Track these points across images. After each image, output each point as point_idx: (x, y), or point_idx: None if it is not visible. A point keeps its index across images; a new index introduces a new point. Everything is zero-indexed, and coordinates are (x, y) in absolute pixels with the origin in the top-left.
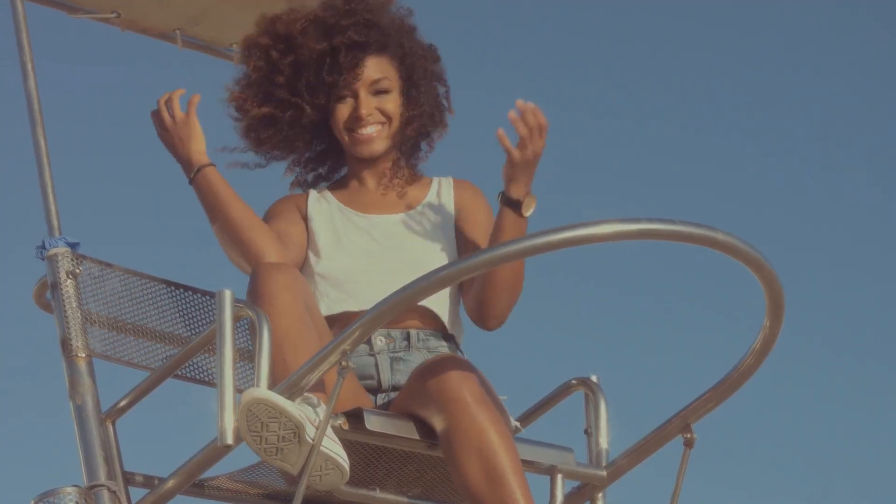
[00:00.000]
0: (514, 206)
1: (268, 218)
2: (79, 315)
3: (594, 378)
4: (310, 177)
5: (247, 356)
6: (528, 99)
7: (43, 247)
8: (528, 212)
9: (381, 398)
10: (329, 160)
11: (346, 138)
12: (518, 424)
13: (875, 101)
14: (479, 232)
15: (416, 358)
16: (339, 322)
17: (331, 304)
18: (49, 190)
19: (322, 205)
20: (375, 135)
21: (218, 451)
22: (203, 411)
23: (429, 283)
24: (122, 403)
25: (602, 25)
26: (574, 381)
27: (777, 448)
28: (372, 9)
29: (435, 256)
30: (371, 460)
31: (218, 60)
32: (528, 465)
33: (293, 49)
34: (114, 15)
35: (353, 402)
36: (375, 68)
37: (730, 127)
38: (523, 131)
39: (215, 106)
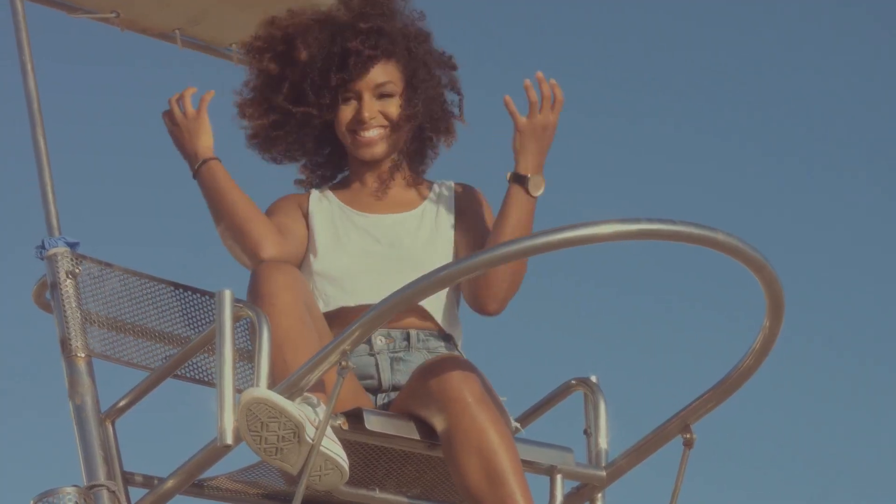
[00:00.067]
0: (521, 181)
1: (269, 213)
2: (78, 315)
3: (594, 378)
4: (313, 177)
5: (246, 356)
6: (526, 98)
7: (42, 247)
8: (537, 191)
9: (381, 398)
10: (333, 160)
11: (349, 140)
12: (518, 425)
13: (875, 101)
14: (479, 233)
15: (417, 358)
16: (337, 319)
17: (328, 301)
18: (49, 190)
19: (323, 203)
20: (377, 138)
21: (217, 451)
22: (202, 411)
23: (429, 283)
24: (122, 403)
25: (599, 25)
26: (573, 382)
27: (777, 448)
28: (385, 13)
29: (434, 256)
30: (371, 460)
31: (218, 60)
32: (527, 465)
33: (296, 49)
34: (113, 15)
35: (353, 402)
36: (381, 72)
37: (730, 127)
38: (533, 97)
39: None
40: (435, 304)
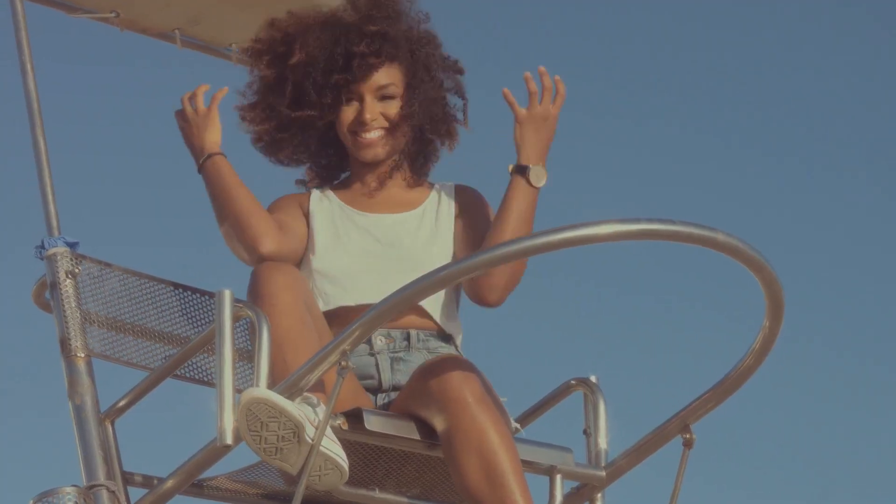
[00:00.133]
0: (523, 172)
1: (270, 210)
2: (78, 315)
3: (593, 378)
4: (315, 177)
5: (246, 356)
6: (526, 98)
7: (42, 246)
8: (539, 182)
9: (381, 398)
10: (334, 161)
11: (350, 141)
12: (518, 426)
13: (875, 101)
14: (479, 232)
15: (417, 358)
16: (336, 318)
17: (328, 299)
18: (48, 190)
19: (324, 203)
20: (378, 139)
21: (217, 451)
22: (202, 411)
23: (429, 283)
24: (122, 403)
25: (602, 25)
26: (573, 382)
27: (777, 448)
28: (390, 16)
29: (434, 256)
30: (370, 460)
31: (217, 60)
32: (527, 465)
33: (297, 49)
34: (113, 15)
35: (353, 402)
36: (384, 74)
37: (730, 127)
38: (533, 87)
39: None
40: (435, 303)
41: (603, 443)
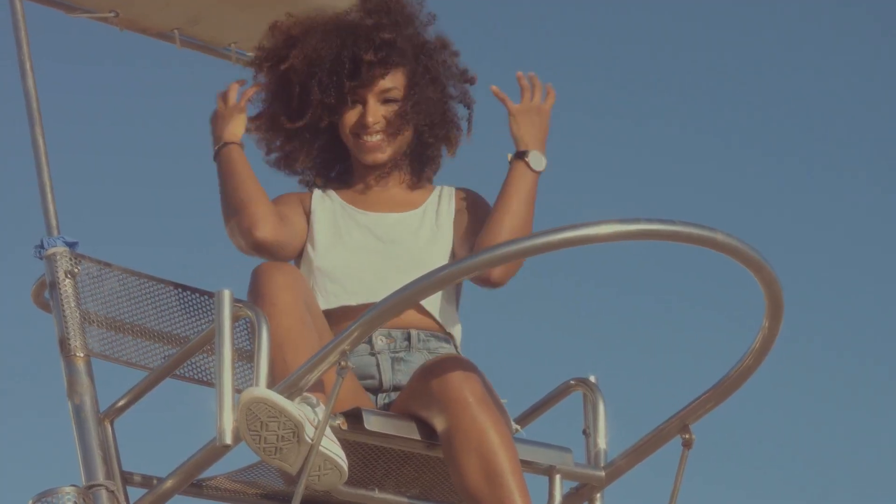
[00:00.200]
0: (523, 157)
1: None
2: (77, 314)
3: (592, 378)
4: (318, 177)
5: (246, 356)
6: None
7: (41, 246)
8: (539, 166)
9: (381, 398)
10: (338, 162)
11: (352, 143)
12: (518, 427)
13: (875, 101)
14: (478, 227)
15: (417, 359)
16: (337, 317)
17: (329, 298)
18: (48, 189)
19: (326, 202)
20: (380, 143)
21: (216, 450)
22: (201, 411)
23: (429, 282)
24: (121, 403)
25: (602, 25)
26: (572, 382)
27: (777, 448)
28: (399, 22)
29: (435, 255)
30: (370, 460)
31: (216, 60)
32: (526, 465)
33: (300, 51)
34: (112, 14)
35: (353, 402)
36: (388, 78)
37: (730, 127)
38: (524, 83)
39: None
40: (435, 303)
41: (602, 443)
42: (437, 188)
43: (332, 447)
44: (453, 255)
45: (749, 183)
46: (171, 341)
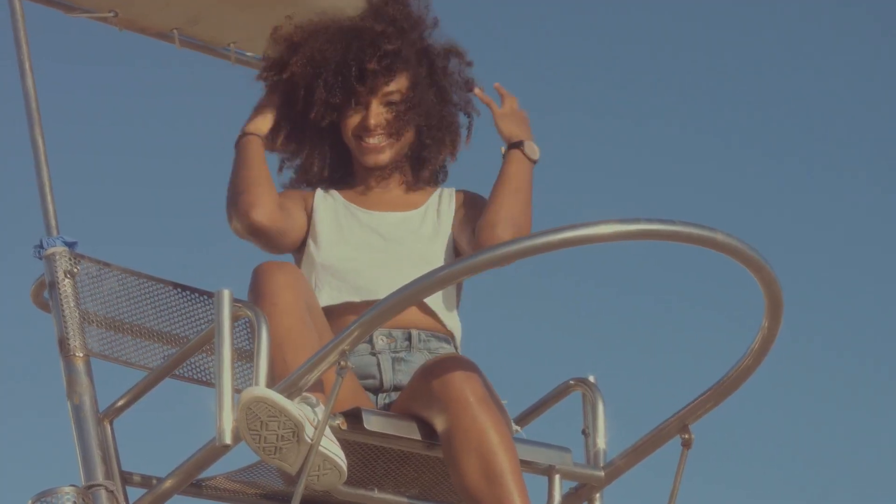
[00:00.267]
0: (518, 147)
1: None
2: (76, 314)
3: (592, 378)
4: (322, 179)
5: (246, 356)
6: (527, 98)
7: (41, 246)
8: (535, 154)
9: (382, 398)
10: (342, 163)
11: (354, 145)
12: (518, 427)
13: (875, 101)
14: (478, 216)
15: (418, 359)
16: (340, 313)
17: (332, 294)
18: (47, 189)
19: (328, 201)
20: (381, 145)
21: (216, 450)
22: (201, 411)
23: (429, 282)
24: (120, 403)
25: (602, 25)
26: (572, 382)
27: (777, 448)
28: (405, 29)
29: (437, 253)
30: (369, 460)
31: (216, 60)
32: (525, 465)
33: (304, 55)
34: (111, 14)
35: (353, 401)
36: (392, 82)
37: (730, 127)
38: (504, 91)
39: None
40: (435, 303)
41: (601, 443)
42: (438, 190)
43: (331, 447)
44: (455, 253)
45: (749, 183)
46: (171, 341)
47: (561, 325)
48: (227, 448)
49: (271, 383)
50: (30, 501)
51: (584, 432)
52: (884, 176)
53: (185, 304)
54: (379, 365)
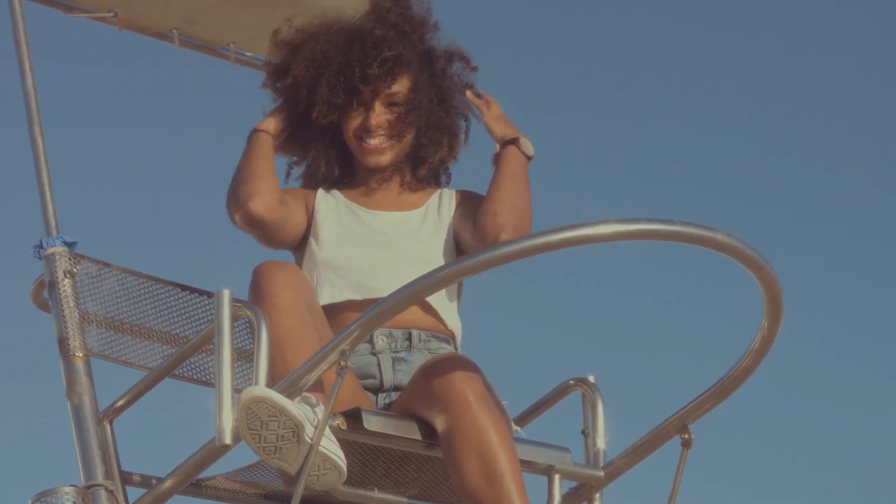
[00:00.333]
0: (513, 142)
1: None
2: (76, 314)
3: (592, 378)
4: (330, 179)
5: (246, 356)
6: (527, 98)
7: (40, 246)
8: (530, 150)
9: (382, 398)
10: (342, 164)
11: (355, 145)
12: (518, 428)
13: (875, 101)
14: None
15: (418, 359)
16: (342, 310)
17: (333, 291)
18: (46, 189)
19: (329, 200)
20: (382, 146)
21: (216, 450)
22: (201, 411)
23: (430, 282)
24: (120, 403)
25: (602, 25)
26: (572, 382)
27: (777, 448)
28: (408, 32)
29: (438, 251)
30: (369, 460)
31: (215, 60)
32: (525, 465)
33: (303, 59)
34: (111, 14)
35: (353, 401)
36: (394, 84)
37: (730, 127)
38: (491, 97)
39: (214, 103)
40: (436, 303)
41: (601, 443)
42: (439, 190)
43: (331, 447)
44: (456, 251)
45: (749, 183)
46: (171, 341)
47: (561, 325)
48: (226, 448)
49: (271, 383)
50: (30, 501)
51: (583, 432)
52: (884, 176)
53: (185, 304)
54: (379, 365)
